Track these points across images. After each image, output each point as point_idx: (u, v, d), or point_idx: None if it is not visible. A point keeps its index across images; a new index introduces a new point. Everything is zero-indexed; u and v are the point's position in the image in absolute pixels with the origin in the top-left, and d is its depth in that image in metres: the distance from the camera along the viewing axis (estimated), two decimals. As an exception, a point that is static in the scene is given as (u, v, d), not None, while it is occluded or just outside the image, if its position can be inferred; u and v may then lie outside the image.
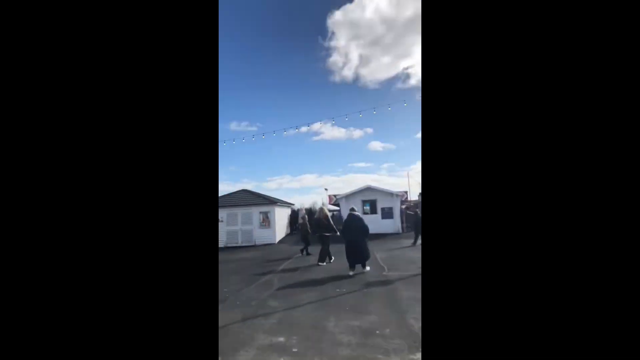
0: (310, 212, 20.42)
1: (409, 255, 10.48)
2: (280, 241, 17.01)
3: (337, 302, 5.35)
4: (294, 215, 21.83)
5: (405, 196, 22.01)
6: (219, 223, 16.08)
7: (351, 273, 7.51)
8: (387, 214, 17.80)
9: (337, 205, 20.59)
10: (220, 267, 8.96)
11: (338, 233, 8.97)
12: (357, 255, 7.68)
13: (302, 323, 4.36)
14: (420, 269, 7.60)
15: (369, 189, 18.24)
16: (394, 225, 17.40)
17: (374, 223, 15.96)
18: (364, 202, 17.90)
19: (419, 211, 14.61)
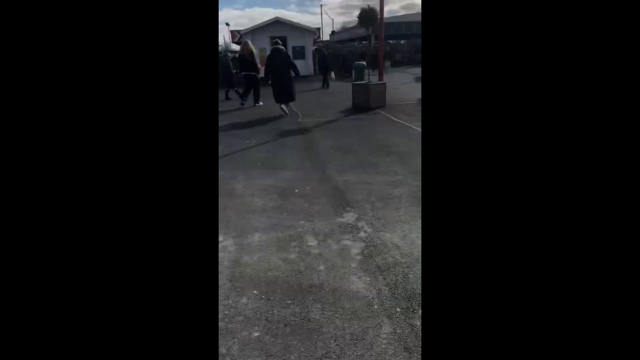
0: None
1: (323, 100, 10.05)
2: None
3: (245, 157, 4.53)
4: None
5: (318, 34, 20.54)
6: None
7: (287, 112, 7.44)
8: (299, 53, 16.21)
9: (240, 43, 18.24)
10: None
11: (261, 74, 8.71)
12: (286, 93, 7.52)
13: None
14: (336, 115, 7.18)
15: (277, 22, 16.27)
16: (305, 66, 16.11)
17: (284, 64, 14.67)
18: (272, 40, 15.88)
19: (326, 51, 13.91)
